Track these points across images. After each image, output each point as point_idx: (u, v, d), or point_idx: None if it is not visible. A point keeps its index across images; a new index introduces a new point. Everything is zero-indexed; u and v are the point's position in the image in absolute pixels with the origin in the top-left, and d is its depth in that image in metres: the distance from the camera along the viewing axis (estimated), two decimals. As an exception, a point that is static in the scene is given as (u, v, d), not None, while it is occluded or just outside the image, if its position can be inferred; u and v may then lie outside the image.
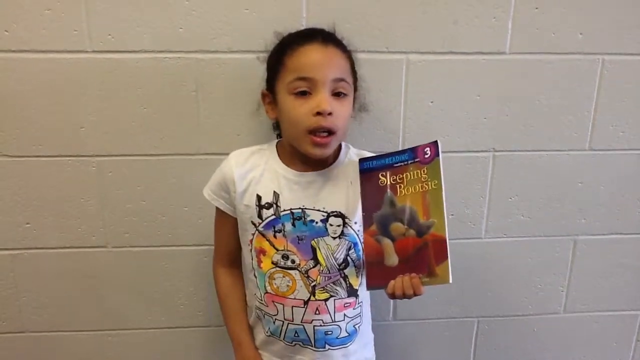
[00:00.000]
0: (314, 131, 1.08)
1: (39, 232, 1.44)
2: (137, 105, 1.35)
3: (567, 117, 1.46)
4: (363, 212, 1.11)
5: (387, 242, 1.07)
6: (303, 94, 1.08)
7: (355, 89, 1.19)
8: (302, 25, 1.31)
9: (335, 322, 1.21)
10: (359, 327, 1.26)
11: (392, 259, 1.06)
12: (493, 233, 1.56)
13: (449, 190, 1.46)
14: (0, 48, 1.28)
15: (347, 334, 1.24)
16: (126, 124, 1.36)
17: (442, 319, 1.64)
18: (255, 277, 1.23)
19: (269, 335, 1.26)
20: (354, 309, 1.23)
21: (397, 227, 1.07)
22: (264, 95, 1.20)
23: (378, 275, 1.08)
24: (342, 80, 1.10)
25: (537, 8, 1.36)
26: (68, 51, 1.29)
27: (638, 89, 1.46)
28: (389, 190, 1.09)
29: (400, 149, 1.42)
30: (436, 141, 1.05)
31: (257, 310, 1.27)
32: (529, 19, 1.37)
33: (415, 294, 1.03)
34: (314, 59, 1.07)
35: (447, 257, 1.00)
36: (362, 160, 1.14)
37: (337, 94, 1.10)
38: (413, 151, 1.08)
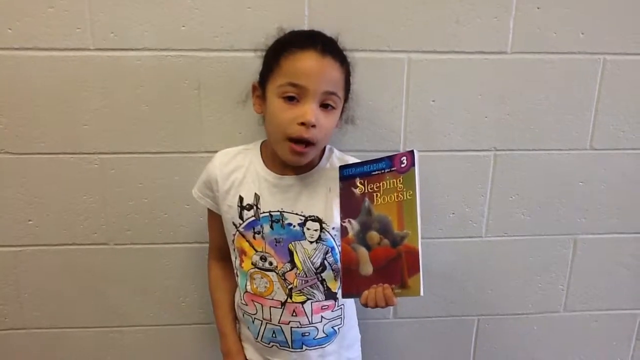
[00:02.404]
0: (294, 140, 1.08)
1: (41, 229, 1.44)
2: (139, 103, 1.35)
3: (568, 116, 1.47)
4: (341, 219, 1.10)
5: (362, 251, 1.06)
6: (291, 99, 1.07)
7: (346, 100, 1.19)
8: (305, 23, 1.31)
9: (312, 323, 1.22)
10: (338, 328, 1.27)
11: (367, 268, 1.05)
12: (494, 232, 1.57)
13: (450, 189, 1.49)
14: (3, 46, 1.28)
15: (324, 335, 1.25)
16: (128, 122, 1.36)
17: (442, 317, 1.65)
18: (238, 276, 1.25)
19: (251, 334, 1.29)
20: (332, 311, 1.24)
21: (373, 236, 1.05)
22: (254, 88, 1.19)
23: (353, 283, 1.07)
24: (333, 93, 1.09)
25: (538, 8, 1.36)
26: (71, 49, 1.30)
27: (639, 88, 1.46)
28: (366, 198, 1.07)
29: (401, 148, 1.44)
30: (412, 150, 1.02)
31: (239, 308, 1.30)
32: (531, 19, 1.37)
33: (387, 305, 1.03)
34: (309, 68, 1.06)
35: (420, 269, 0.98)
36: (342, 168, 1.13)
37: (324, 106, 1.09)
38: (390, 160, 1.05)
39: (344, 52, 1.16)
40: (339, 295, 1.22)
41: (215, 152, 1.34)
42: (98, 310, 1.53)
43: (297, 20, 1.28)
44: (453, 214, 1.53)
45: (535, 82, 1.43)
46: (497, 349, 1.70)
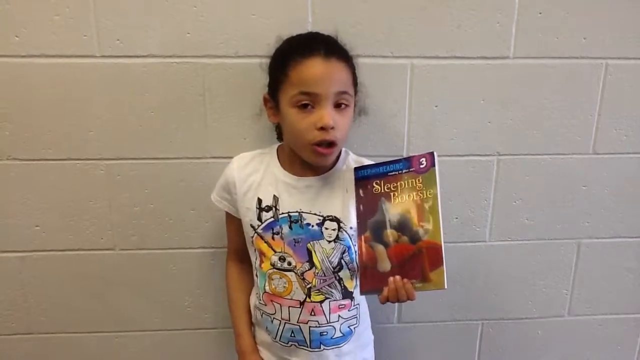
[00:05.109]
0: (316, 144, 1.10)
1: (48, 235, 1.45)
2: (145, 110, 1.36)
3: (571, 121, 1.47)
4: (357, 219, 1.13)
5: (380, 249, 1.09)
6: (305, 106, 1.09)
7: (356, 93, 1.21)
8: (308, 30, 1.31)
9: (330, 323, 1.24)
10: (354, 328, 1.29)
11: (385, 265, 1.08)
12: (497, 236, 1.57)
13: (453, 194, 1.50)
14: (10, 53, 1.30)
15: (341, 335, 1.26)
16: (134, 128, 1.37)
17: (447, 322, 1.65)
18: (257, 276, 1.27)
19: (268, 335, 1.30)
20: (349, 310, 1.26)
21: (390, 233, 1.08)
22: (265, 100, 1.22)
23: (371, 280, 1.10)
24: (344, 92, 1.12)
25: (540, 13, 1.37)
26: (77, 56, 1.31)
27: (641, 92, 1.47)
28: (382, 198, 1.10)
29: (404, 153, 1.45)
30: (432, 152, 1.07)
31: (257, 310, 1.31)
32: (533, 24, 1.38)
33: (408, 299, 1.05)
34: (317, 74, 1.08)
35: (443, 263, 1.01)
36: (358, 169, 1.16)
37: (338, 105, 1.12)
38: (408, 161, 1.10)
39: (346, 48, 1.19)
40: (355, 293, 1.24)
41: (221, 157, 1.37)
42: (104, 315, 1.54)
43: (300, 27, 1.29)
44: (457, 218, 1.54)
45: (538, 86, 1.43)
46: (501, 353, 1.70)
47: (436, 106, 1.43)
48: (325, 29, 1.24)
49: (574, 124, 1.47)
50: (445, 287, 1.01)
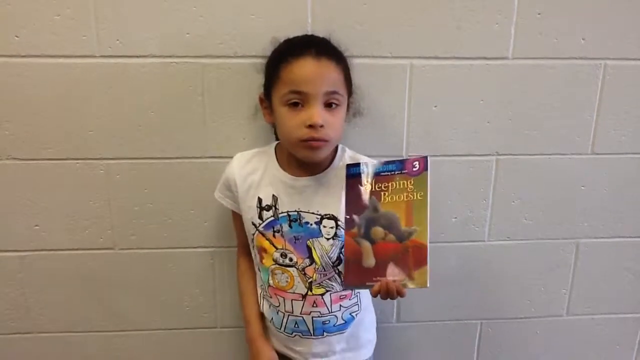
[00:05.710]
0: (306, 140, 1.12)
1: (48, 234, 1.45)
2: (145, 109, 1.37)
3: (570, 121, 1.47)
4: (346, 214, 1.14)
5: (366, 245, 1.10)
6: (296, 104, 1.12)
7: (350, 94, 1.22)
8: (307, 30, 1.32)
9: (332, 312, 1.28)
10: (356, 314, 1.32)
11: (369, 261, 1.10)
12: (496, 236, 1.57)
13: (452, 194, 1.50)
14: (10, 53, 1.30)
15: (343, 322, 1.30)
16: (133, 128, 1.38)
17: (445, 321, 1.65)
18: (260, 271, 1.31)
19: (273, 326, 1.34)
20: (350, 299, 1.30)
21: (378, 231, 1.10)
22: (261, 100, 1.25)
23: (355, 275, 1.11)
24: (334, 92, 1.13)
25: (539, 13, 1.37)
26: (77, 56, 1.31)
27: (640, 93, 1.47)
28: (373, 196, 1.12)
29: (403, 153, 1.45)
30: (426, 156, 1.09)
31: (263, 300, 1.35)
32: (532, 24, 1.38)
33: (398, 295, 1.07)
34: (307, 74, 1.10)
35: (427, 262, 1.04)
36: (350, 166, 1.17)
37: (329, 105, 1.13)
38: (402, 163, 1.11)
39: (340, 49, 1.20)
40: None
41: (220, 157, 1.37)
42: (103, 314, 1.54)
43: (299, 28, 1.29)
44: (455, 218, 1.54)
45: (537, 87, 1.43)
46: (500, 352, 1.71)
47: (435, 106, 1.43)
48: (324, 30, 1.25)
49: (572, 124, 1.48)
50: (428, 286, 1.03)
